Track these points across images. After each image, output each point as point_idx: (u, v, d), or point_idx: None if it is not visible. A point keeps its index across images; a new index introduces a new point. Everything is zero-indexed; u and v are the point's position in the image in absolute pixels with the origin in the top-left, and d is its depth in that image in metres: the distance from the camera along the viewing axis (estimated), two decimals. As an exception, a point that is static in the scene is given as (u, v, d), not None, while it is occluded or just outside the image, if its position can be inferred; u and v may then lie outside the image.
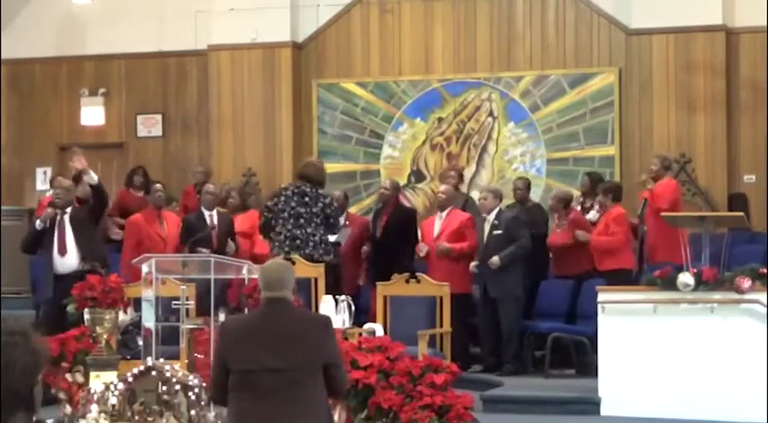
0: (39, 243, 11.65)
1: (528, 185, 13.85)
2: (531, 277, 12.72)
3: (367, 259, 13.24)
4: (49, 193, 12.88)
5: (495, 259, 12.07)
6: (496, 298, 12.17)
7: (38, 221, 11.61)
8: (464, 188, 15.14)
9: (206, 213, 12.63)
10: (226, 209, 13.29)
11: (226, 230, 12.58)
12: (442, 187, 13.25)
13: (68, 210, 11.62)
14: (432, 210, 14.92)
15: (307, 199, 11.65)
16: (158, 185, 12.92)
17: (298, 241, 11.59)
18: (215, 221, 12.60)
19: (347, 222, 13.22)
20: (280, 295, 5.64)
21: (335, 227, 11.93)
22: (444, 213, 12.78)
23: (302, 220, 11.61)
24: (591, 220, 13.17)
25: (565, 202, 13.17)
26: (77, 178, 13.20)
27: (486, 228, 12.37)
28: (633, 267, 12.38)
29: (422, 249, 12.76)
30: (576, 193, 14.21)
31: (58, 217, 11.56)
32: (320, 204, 11.64)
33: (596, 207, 13.11)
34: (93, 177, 11.49)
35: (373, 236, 13.11)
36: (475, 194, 14.35)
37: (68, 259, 11.46)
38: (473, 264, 12.36)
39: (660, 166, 13.22)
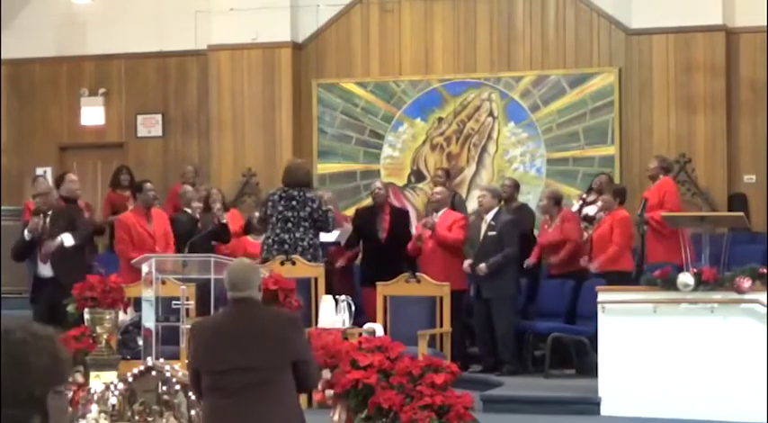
0: (29, 251, 11.76)
1: (516, 185, 13.83)
2: (521, 277, 12.72)
3: (358, 259, 13.32)
4: (32, 199, 12.96)
5: (483, 267, 12.07)
6: (490, 298, 12.17)
7: (26, 232, 11.69)
8: (464, 188, 15.16)
9: (189, 211, 12.80)
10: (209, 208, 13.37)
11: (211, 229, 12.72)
12: (437, 188, 13.26)
13: (50, 213, 11.73)
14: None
15: (294, 203, 11.67)
16: (149, 184, 12.96)
17: (286, 246, 11.57)
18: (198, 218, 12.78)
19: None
20: (246, 295, 5.71)
21: (324, 229, 11.91)
22: (438, 214, 12.78)
23: (290, 225, 11.63)
24: (589, 214, 13.24)
25: (556, 201, 13.17)
26: (60, 179, 13.26)
27: (483, 227, 12.36)
28: (632, 270, 12.36)
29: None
30: (576, 191, 14.23)
31: (40, 222, 11.68)
32: (308, 208, 11.65)
33: (599, 204, 13.13)
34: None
35: (374, 237, 13.07)
36: (476, 194, 14.37)
37: (47, 267, 11.64)
38: (467, 262, 12.33)
39: (658, 165, 13.25)
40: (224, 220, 12.82)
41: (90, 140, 17.04)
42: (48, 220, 11.71)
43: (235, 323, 5.70)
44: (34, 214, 11.85)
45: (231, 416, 5.55)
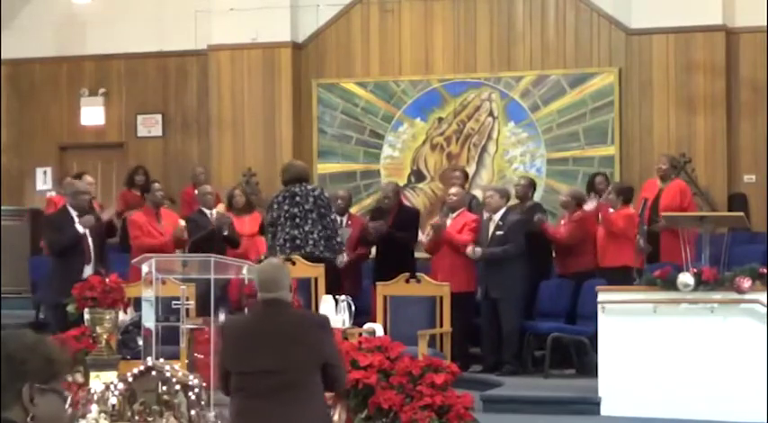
0: (78, 246, 11.64)
1: (531, 184, 13.77)
2: (534, 276, 12.69)
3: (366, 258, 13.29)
4: (53, 193, 12.93)
5: (478, 250, 12.09)
6: (497, 298, 12.17)
7: (80, 227, 11.59)
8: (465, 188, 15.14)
9: (207, 212, 12.77)
10: (231, 209, 13.34)
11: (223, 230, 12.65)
12: (453, 189, 13.13)
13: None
14: (432, 210, 14.93)
15: (298, 198, 11.70)
16: (157, 184, 13.01)
17: (297, 241, 11.61)
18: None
19: (349, 222, 13.23)
20: (276, 296, 5.66)
21: (326, 215, 11.88)
22: (454, 215, 12.74)
23: (298, 220, 11.65)
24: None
25: (577, 201, 13.10)
26: (78, 177, 13.35)
27: (491, 227, 12.35)
28: (634, 265, 12.35)
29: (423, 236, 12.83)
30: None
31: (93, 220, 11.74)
32: (311, 199, 11.70)
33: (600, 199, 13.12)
34: None
35: (381, 237, 13.06)
36: (476, 193, 14.36)
37: (90, 267, 11.66)
38: (470, 247, 12.32)
39: (669, 165, 13.26)
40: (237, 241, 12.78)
41: (90, 140, 17.04)
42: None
43: (264, 325, 5.65)
44: (80, 211, 11.85)
45: (258, 417, 5.52)
